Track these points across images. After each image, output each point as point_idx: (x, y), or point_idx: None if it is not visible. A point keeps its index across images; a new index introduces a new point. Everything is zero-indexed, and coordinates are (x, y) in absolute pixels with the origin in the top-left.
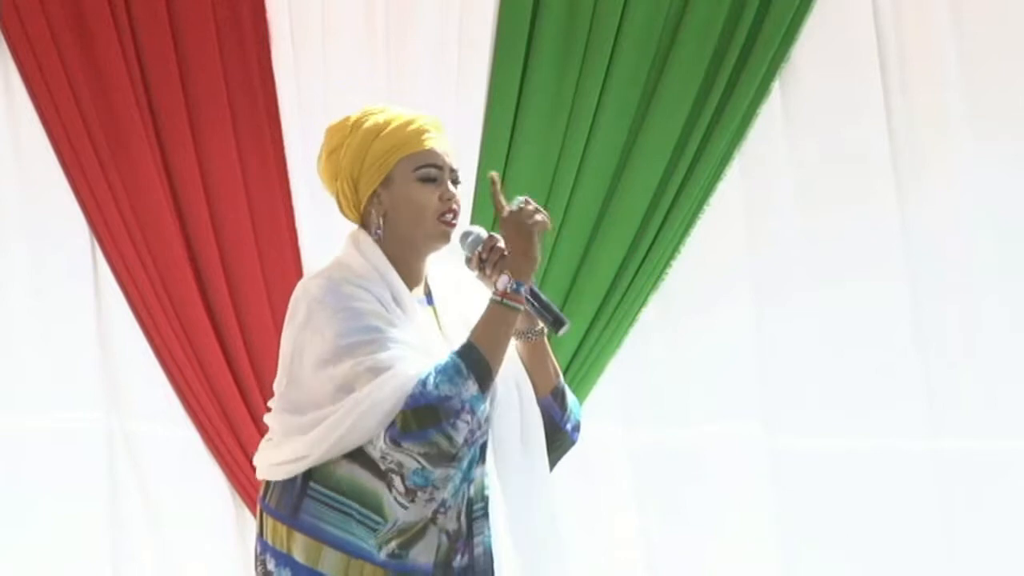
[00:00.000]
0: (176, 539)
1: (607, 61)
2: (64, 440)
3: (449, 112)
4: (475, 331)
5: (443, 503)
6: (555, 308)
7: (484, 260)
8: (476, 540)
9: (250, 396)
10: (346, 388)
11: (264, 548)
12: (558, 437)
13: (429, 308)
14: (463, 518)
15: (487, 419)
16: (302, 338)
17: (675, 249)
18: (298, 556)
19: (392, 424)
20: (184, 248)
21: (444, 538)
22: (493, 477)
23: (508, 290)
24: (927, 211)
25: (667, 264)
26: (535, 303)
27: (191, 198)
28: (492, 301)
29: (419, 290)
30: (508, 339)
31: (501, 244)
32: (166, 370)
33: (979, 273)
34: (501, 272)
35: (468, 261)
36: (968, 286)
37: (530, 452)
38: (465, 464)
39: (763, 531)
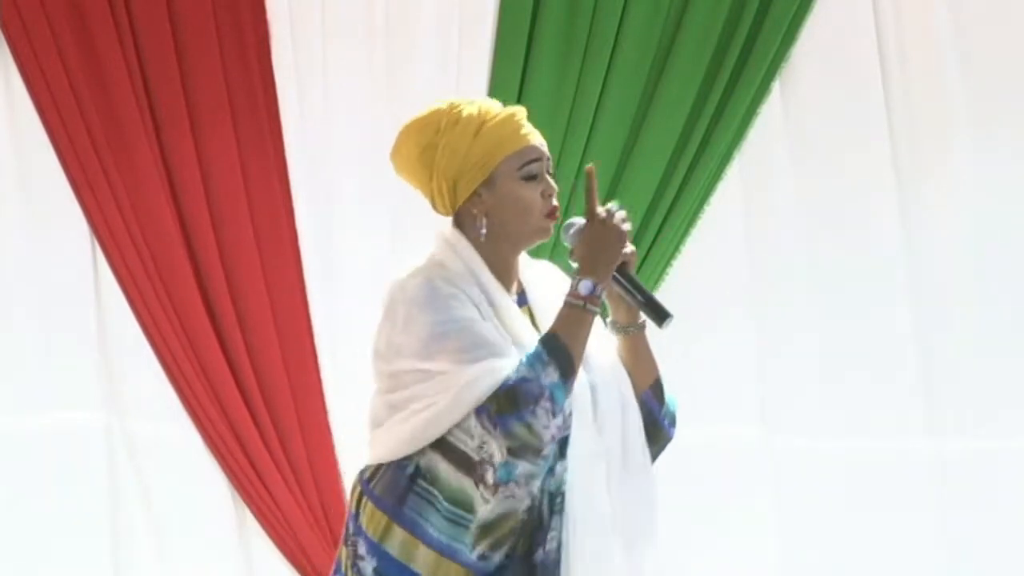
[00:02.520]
0: (176, 539)
1: (607, 61)
2: (64, 440)
3: None
4: (557, 323)
5: (533, 499)
6: (658, 301)
7: None
8: (551, 536)
9: (250, 396)
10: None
11: (357, 531)
12: (656, 432)
13: (524, 308)
14: (544, 512)
15: (570, 414)
16: (400, 340)
17: (675, 249)
18: (391, 549)
19: (485, 407)
20: (184, 247)
21: (526, 539)
22: (580, 473)
23: (587, 294)
24: (927, 211)
25: (667, 264)
26: (640, 296)
27: (191, 197)
28: (573, 305)
29: (513, 289)
30: (587, 340)
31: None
32: (166, 370)
33: (979, 273)
34: (585, 275)
35: (571, 252)
36: (968, 286)
37: (631, 453)
38: (551, 460)
39: (762, 531)
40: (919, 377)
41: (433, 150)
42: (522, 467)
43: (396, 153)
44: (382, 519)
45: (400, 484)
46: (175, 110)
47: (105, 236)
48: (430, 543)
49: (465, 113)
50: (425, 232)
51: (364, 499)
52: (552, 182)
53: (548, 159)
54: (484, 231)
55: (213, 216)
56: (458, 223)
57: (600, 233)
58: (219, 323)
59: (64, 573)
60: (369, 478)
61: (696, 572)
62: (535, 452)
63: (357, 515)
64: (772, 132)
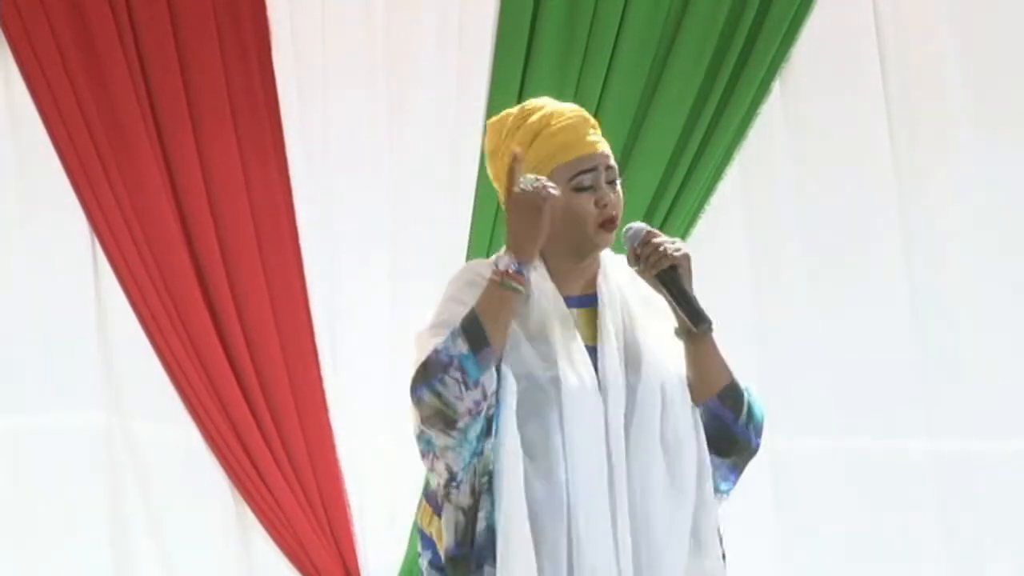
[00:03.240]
0: (177, 539)
1: (607, 61)
2: (64, 440)
3: (449, 112)
4: (478, 299)
5: (452, 475)
6: (697, 304)
7: (639, 256)
8: (480, 515)
9: (251, 394)
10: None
11: (419, 534)
12: (731, 442)
13: (584, 310)
14: (471, 493)
15: (494, 392)
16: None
17: None
18: (436, 540)
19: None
20: (185, 246)
21: (460, 515)
22: (506, 451)
23: (506, 268)
24: (928, 211)
25: None
26: (676, 297)
27: (192, 196)
28: (492, 280)
29: (577, 290)
30: (508, 316)
31: (659, 239)
32: (167, 369)
33: (980, 273)
34: (655, 266)
35: (629, 257)
36: (968, 285)
37: (669, 456)
38: (472, 436)
39: (761, 531)
40: (919, 377)
41: (495, 156)
42: (436, 437)
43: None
44: (429, 512)
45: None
46: (176, 109)
47: (106, 235)
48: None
49: (530, 119)
50: (425, 230)
51: (421, 497)
52: (609, 192)
53: (608, 168)
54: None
55: (214, 215)
56: None
57: (513, 206)
58: (220, 321)
59: (64, 573)
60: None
61: None
62: (447, 422)
63: (418, 514)
64: (772, 132)
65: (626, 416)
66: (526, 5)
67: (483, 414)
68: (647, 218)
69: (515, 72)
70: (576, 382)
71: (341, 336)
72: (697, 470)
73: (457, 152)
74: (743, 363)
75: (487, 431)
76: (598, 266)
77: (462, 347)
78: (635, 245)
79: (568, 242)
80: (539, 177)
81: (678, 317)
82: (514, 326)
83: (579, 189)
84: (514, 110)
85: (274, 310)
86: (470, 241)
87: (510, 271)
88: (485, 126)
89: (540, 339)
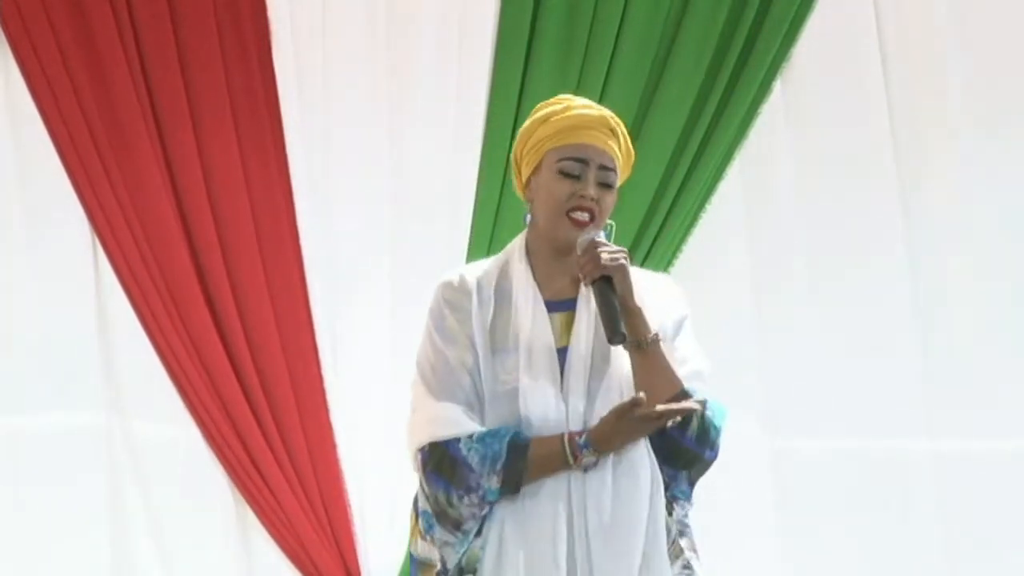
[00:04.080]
0: (177, 539)
1: (608, 61)
2: (65, 440)
3: (449, 111)
4: (536, 443)
5: (445, 569)
6: (615, 318)
7: (579, 264)
8: None
9: (252, 394)
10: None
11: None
12: (678, 453)
13: (562, 314)
14: None
15: (493, 503)
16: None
17: (676, 249)
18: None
19: (426, 451)
20: (185, 246)
21: None
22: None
23: (580, 453)
24: (929, 210)
25: (669, 264)
26: (599, 308)
27: (192, 195)
28: (561, 447)
29: (558, 293)
30: (555, 472)
31: (601, 248)
32: (168, 369)
33: (981, 272)
34: (595, 440)
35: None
36: (970, 285)
37: (621, 465)
38: (471, 536)
39: (763, 530)
40: (920, 377)
41: (517, 136)
42: (439, 531)
43: None
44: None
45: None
46: (176, 108)
47: (106, 234)
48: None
49: (551, 107)
50: (427, 226)
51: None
52: (593, 187)
53: (603, 168)
54: (529, 219)
55: (214, 214)
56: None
57: (634, 426)
58: (220, 321)
59: (65, 572)
60: None
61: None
62: (454, 524)
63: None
64: (773, 131)
65: (585, 422)
66: (526, 5)
67: (477, 518)
68: (647, 218)
69: (515, 72)
70: (535, 391)
71: (342, 336)
72: (651, 477)
73: (457, 151)
74: (744, 363)
75: (479, 531)
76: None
77: (494, 484)
78: (578, 254)
79: (542, 227)
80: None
81: (628, 328)
82: (484, 341)
83: (563, 174)
84: (549, 100)
85: (274, 309)
86: (470, 240)
87: (580, 454)
88: (487, 128)
89: (505, 349)
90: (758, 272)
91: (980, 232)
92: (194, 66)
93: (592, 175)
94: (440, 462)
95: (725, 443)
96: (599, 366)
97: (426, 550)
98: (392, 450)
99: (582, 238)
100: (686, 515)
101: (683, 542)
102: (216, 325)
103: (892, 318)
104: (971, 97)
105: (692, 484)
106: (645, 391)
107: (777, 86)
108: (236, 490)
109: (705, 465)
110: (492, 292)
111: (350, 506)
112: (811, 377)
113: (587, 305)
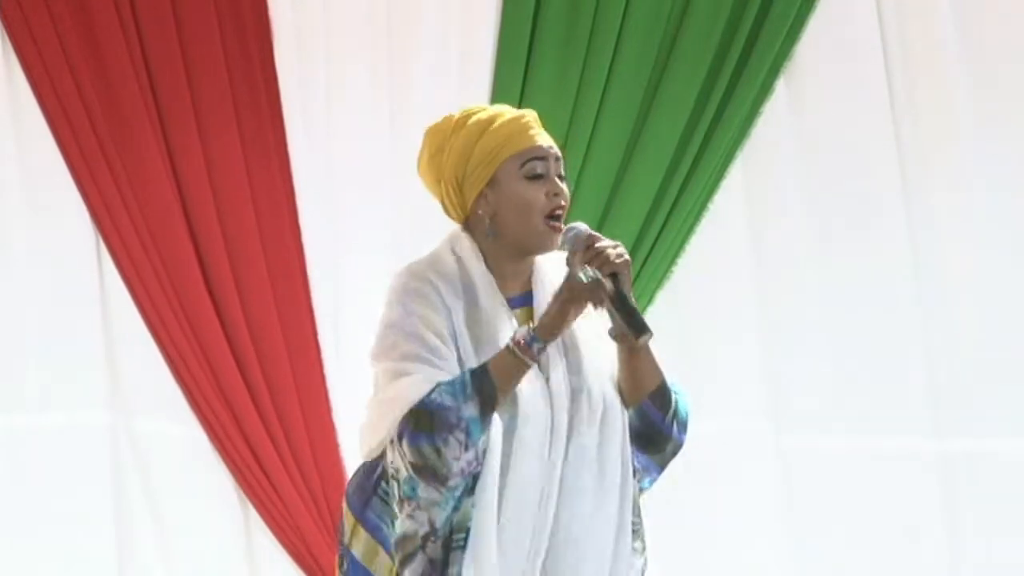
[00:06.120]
0: (181, 537)
1: (609, 60)
2: (69, 438)
3: (450, 108)
4: (493, 359)
5: (433, 530)
6: (639, 314)
7: (582, 260)
8: (451, 571)
9: (256, 392)
10: (377, 386)
11: (340, 533)
12: (659, 439)
13: (522, 309)
14: (443, 547)
15: (484, 451)
16: (377, 328)
17: (679, 248)
18: (356, 553)
19: (404, 421)
20: (189, 244)
21: (429, 567)
22: (487, 506)
23: (524, 342)
24: (933, 209)
25: (672, 262)
26: (618, 307)
27: (196, 193)
28: (511, 349)
29: (516, 290)
30: (518, 382)
31: (602, 243)
32: (171, 366)
33: (986, 270)
34: (535, 325)
35: (568, 258)
36: (974, 283)
37: (600, 458)
38: (458, 494)
39: (769, 528)
40: (925, 376)
41: (441, 153)
42: (423, 489)
43: (418, 159)
44: (350, 519)
45: (367, 486)
46: (178, 105)
47: (109, 233)
48: (386, 547)
49: (475, 118)
50: (427, 225)
51: (344, 503)
52: (560, 184)
53: (558, 160)
54: (491, 233)
55: (217, 211)
56: (468, 228)
57: (566, 292)
58: (224, 319)
59: (69, 571)
60: (351, 478)
61: (703, 568)
62: (439, 479)
63: (343, 519)
64: (776, 130)
65: (569, 419)
66: (527, 5)
67: (470, 472)
68: (650, 217)
69: (517, 72)
70: (528, 388)
71: (344, 332)
72: (622, 470)
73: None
74: (749, 361)
75: (470, 489)
76: (533, 264)
77: (472, 409)
78: (576, 249)
79: (513, 237)
80: (597, 271)
81: (615, 323)
82: (464, 334)
83: (531, 177)
84: (455, 113)
85: (277, 306)
86: None
87: (524, 343)
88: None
89: (490, 344)
90: (761, 271)
91: (985, 229)
92: (197, 62)
93: (552, 171)
94: (418, 420)
95: (730, 442)
96: (574, 364)
97: (407, 523)
98: None
99: (571, 234)
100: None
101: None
102: (219, 321)
103: (898, 316)
104: (974, 95)
105: (661, 470)
106: (636, 384)
107: (779, 84)
108: (239, 487)
109: (676, 449)
110: (460, 289)
111: None
112: (816, 376)
113: (544, 295)
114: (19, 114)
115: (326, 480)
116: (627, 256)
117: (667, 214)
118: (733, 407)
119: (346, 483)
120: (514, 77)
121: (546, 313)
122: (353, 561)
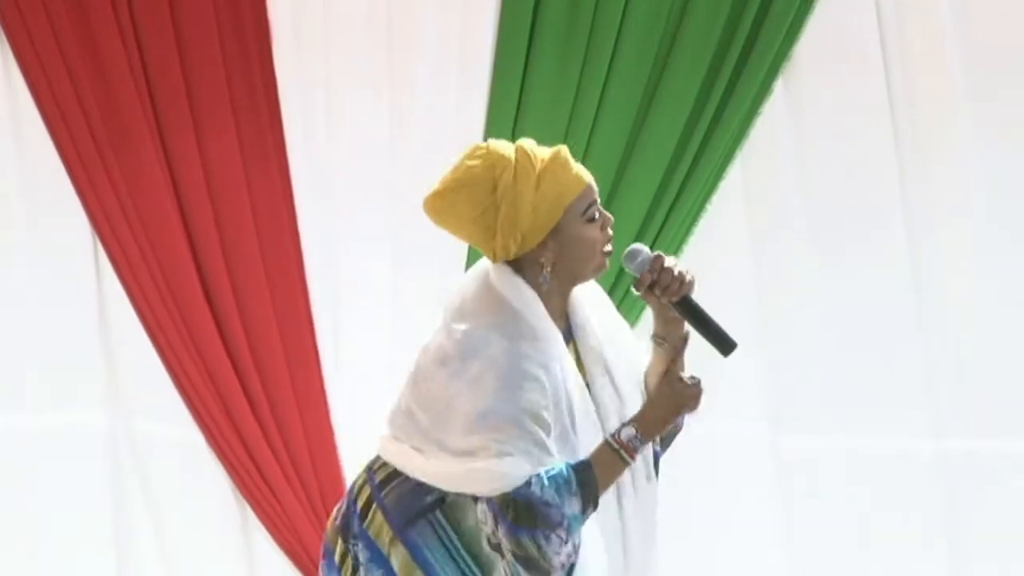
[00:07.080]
0: (179, 540)
1: (608, 60)
2: (66, 440)
3: (450, 112)
4: (594, 454)
5: None
6: (723, 329)
7: (655, 282)
8: None
9: (253, 394)
10: (471, 454)
11: (361, 534)
12: (675, 433)
13: (569, 344)
14: None
15: (579, 544)
16: (461, 392)
17: (678, 248)
18: (395, 565)
19: (498, 505)
20: (187, 246)
21: None
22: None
23: (629, 444)
24: (932, 208)
25: None
26: (700, 325)
27: (193, 196)
28: (613, 448)
29: (561, 324)
30: (617, 478)
31: (669, 263)
32: (169, 370)
33: (985, 270)
34: (635, 424)
35: (635, 282)
36: (974, 284)
37: (647, 468)
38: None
39: (768, 529)
40: (925, 376)
41: (495, 211)
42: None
43: (445, 215)
44: (388, 531)
45: (415, 506)
46: (176, 108)
47: (107, 235)
48: (429, 574)
49: (520, 168)
50: (425, 229)
51: (374, 505)
52: (607, 214)
53: (595, 190)
54: (549, 277)
55: (215, 215)
56: (517, 267)
57: (671, 396)
58: (221, 321)
59: (67, 572)
60: (381, 482)
61: (701, 570)
62: (542, 571)
63: (363, 517)
64: (775, 130)
65: (621, 403)
66: (527, 5)
67: (568, 567)
68: (648, 218)
69: (516, 72)
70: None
71: (342, 334)
72: (655, 471)
73: (458, 152)
74: (748, 362)
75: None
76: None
77: (575, 507)
78: (645, 271)
79: (571, 274)
80: (699, 382)
81: (660, 325)
82: (562, 400)
83: (591, 219)
84: (475, 165)
85: (275, 309)
86: None
87: (629, 445)
88: (487, 128)
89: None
90: (760, 271)
91: (985, 229)
92: (195, 65)
93: (598, 205)
94: (518, 512)
95: (728, 442)
96: (620, 388)
97: None
98: None
99: (640, 258)
100: None
101: None
102: (217, 325)
103: (897, 316)
104: (973, 93)
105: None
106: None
107: (778, 85)
108: (237, 489)
109: (676, 434)
110: (543, 348)
111: None
112: (815, 376)
113: (584, 330)
114: (17, 118)
115: (323, 481)
116: (692, 273)
117: (666, 213)
118: (731, 408)
119: (344, 485)
120: (513, 76)
121: (652, 418)
122: (391, 571)
